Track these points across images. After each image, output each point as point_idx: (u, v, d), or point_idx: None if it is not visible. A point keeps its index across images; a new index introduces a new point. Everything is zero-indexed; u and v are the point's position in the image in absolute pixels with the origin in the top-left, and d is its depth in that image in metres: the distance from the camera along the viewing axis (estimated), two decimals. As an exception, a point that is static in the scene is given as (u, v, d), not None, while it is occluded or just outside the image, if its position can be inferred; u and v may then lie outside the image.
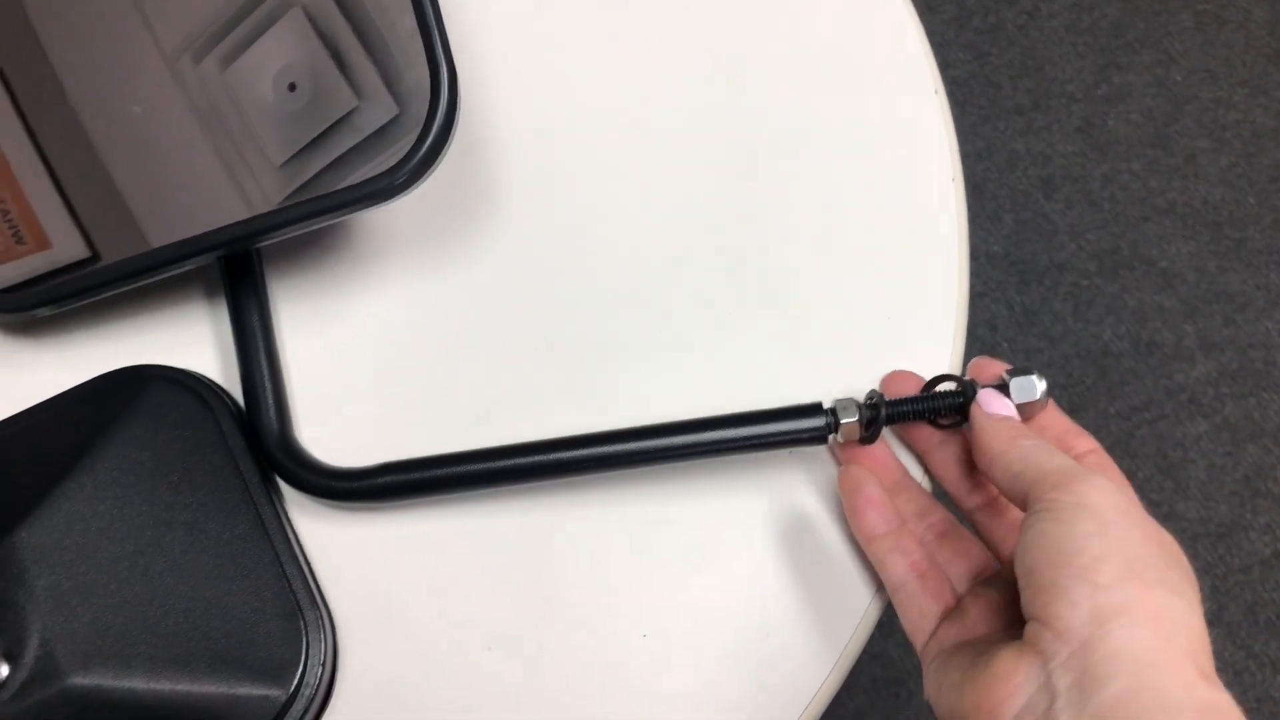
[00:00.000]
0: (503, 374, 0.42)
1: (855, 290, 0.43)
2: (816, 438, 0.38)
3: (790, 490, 0.41)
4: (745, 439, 0.38)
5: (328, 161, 0.38)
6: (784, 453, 0.41)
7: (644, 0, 0.46)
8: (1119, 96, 1.28)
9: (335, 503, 0.40)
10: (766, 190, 0.44)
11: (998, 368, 0.39)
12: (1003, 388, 0.38)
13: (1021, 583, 0.32)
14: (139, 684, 0.36)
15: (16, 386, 0.40)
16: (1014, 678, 0.31)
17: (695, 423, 0.38)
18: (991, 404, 0.38)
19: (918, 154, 0.45)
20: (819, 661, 0.39)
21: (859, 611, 0.39)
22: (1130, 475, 1.14)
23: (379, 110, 0.38)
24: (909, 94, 0.45)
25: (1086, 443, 0.38)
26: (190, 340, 0.42)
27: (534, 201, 0.44)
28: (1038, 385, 0.38)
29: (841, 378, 0.41)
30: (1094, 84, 1.28)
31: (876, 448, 0.40)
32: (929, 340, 0.42)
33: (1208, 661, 0.30)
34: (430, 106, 0.37)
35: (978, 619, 0.36)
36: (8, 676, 0.36)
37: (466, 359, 0.42)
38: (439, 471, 0.39)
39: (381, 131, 0.38)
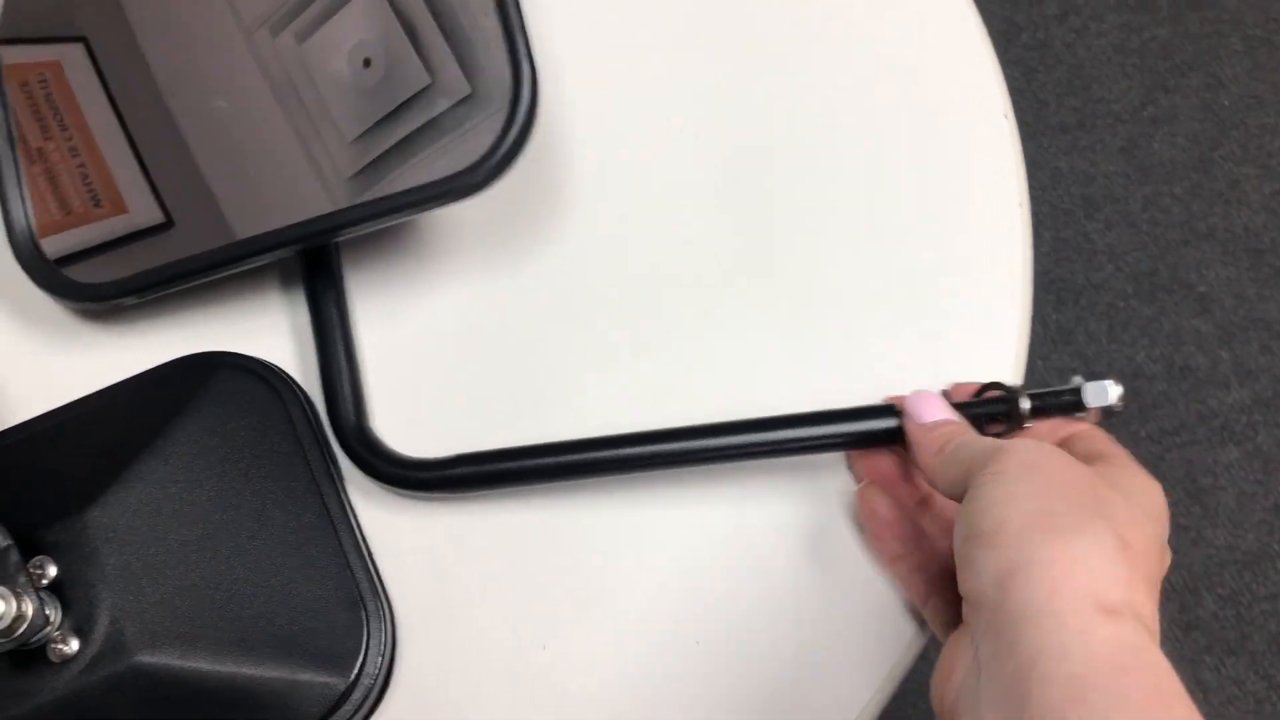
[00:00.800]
0: (562, 369, 0.42)
1: (919, 310, 0.43)
2: (888, 437, 0.39)
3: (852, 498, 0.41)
4: (818, 438, 0.39)
5: (399, 138, 0.39)
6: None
7: (711, 6, 0.47)
8: (1165, 119, 1.27)
9: (408, 493, 0.40)
10: (832, 205, 0.45)
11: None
12: (1074, 391, 0.38)
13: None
14: (203, 664, 0.37)
15: (93, 369, 0.41)
16: (955, 658, 0.32)
17: (770, 420, 0.39)
18: (921, 412, 0.38)
19: (986, 177, 0.45)
20: (869, 670, 0.39)
21: (909, 629, 0.40)
22: (1160, 499, 1.14)
23: (451, 89, 0.39)
24: (979, 117, 0.46)
25: (1075, 426, 0.38)
26: (264, 328, 0.42)
27: (602, 197, 0.44)
28: (1110, 390, 0.38)
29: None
30: (1140, 105, 1.28)
31: (887, 466, 0.40)
32: (989, 363, 0.43)
33: (1115, 587, 0.30)
34: (511, 105, 0.37)
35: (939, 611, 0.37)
36: (78, 651, 0.36)
37: (530, 353, 0.43)
38: (516, 464, 0.39)
39: (453, 110, 0.39)
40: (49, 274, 0.40)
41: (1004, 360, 0.43)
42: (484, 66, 0.38)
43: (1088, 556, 0.30)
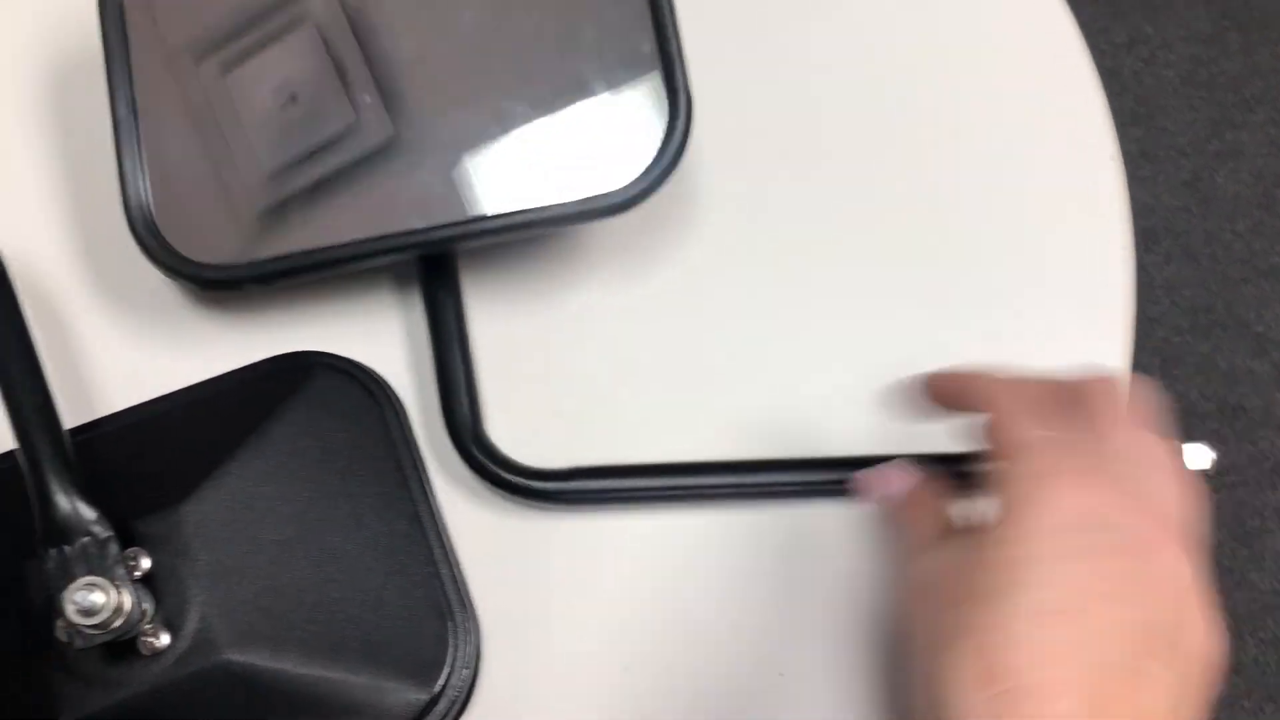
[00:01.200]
0: (670, 389, 0.42)
1: (1023, 351, 0.43)
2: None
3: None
4: None
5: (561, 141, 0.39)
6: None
7: (834, 32, 0.47)
8: (1230, 154, 1.26)
9: (525, 501, 0.40)
10: (939, 237, 0.44)
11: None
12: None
13: None
14: (289, 666, 0.37)
15: (197, 358, 0.41)
16: None
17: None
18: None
19: (1091, 217, 0.45)
20: None
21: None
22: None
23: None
24: (1085, 158, 0.46)
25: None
26: (374, 326, 0.42)
27: (728, 213, 0.44)
28: (1206, 454, 0.38)
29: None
30: (1205, 139, 1.26)
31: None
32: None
33: (1063, 669, 0.28)
34: (667, 131, 0.38)
35: None
36: (169, 645, 0.36)
37: (640, 370, 0.42)
38: (636, 482, 0.39)
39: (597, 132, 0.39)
40: (169, 255, 0.39)
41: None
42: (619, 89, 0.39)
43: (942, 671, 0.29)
